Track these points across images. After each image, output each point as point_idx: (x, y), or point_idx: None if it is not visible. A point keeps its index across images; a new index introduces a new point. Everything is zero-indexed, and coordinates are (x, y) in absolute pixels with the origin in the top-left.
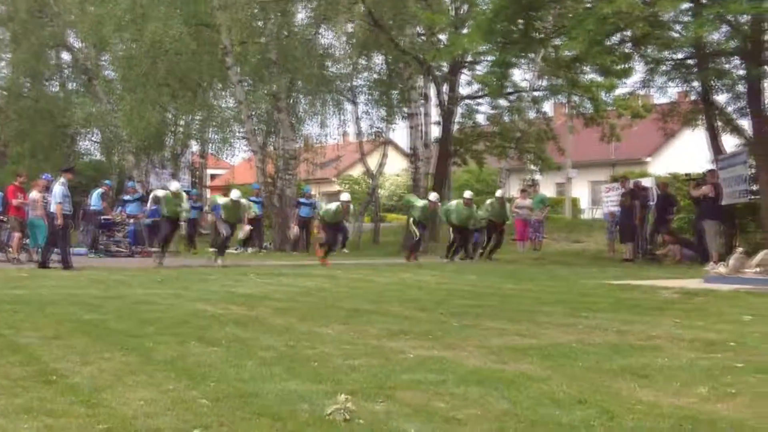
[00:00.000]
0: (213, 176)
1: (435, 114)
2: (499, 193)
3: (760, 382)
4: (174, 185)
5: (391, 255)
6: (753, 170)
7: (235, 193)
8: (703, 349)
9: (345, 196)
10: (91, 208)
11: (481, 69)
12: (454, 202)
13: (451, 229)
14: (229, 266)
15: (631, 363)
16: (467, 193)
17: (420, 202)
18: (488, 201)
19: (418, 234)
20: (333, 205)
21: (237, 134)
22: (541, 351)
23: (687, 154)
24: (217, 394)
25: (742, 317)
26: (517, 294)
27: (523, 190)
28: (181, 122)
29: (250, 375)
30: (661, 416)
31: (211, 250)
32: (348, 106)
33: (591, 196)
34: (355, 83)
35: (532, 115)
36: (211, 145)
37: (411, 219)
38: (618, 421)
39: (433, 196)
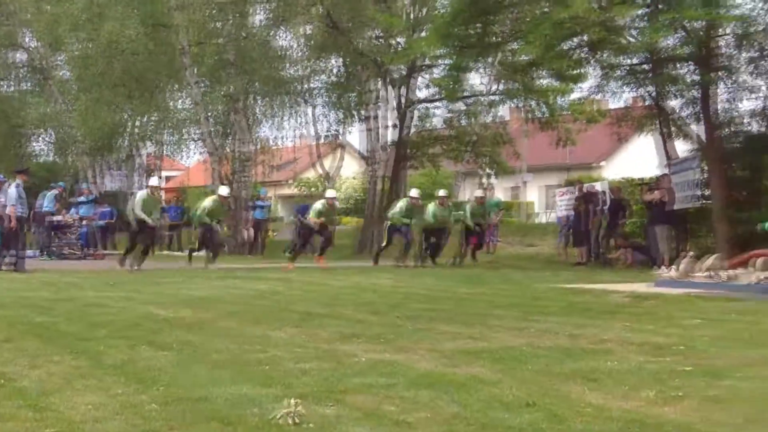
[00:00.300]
0: (168, 178)
1: (391, 117)
2: (479, 192)
3: (707, 386)
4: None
5: (346, 258)
6: (704, 175)
7: (224, 190)
8: (652, 353)
9: (330, 193)
10: (43, 209)
11: (438, 72)
12: (401, 202)
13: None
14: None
15: (581, 366)
16: (441, 192)
17: (399, 203)
18: (467, 205)
19: (385, 240)
20: (319, 204)
21: (192, 135)
22: (493, 354)
23: (640, 158)
24: (167, 398)
25: (692, 321)
26: (470, 298)
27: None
28: (137, 123)
29: (201, 379)
30: (609, 419)
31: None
32: (305, 109)
33: (545, 200)
34: (312, 85)
35: (488, 119)
36: (166, 146)
37: (386, 223)
38: (566, 425)
39: (414, 192)
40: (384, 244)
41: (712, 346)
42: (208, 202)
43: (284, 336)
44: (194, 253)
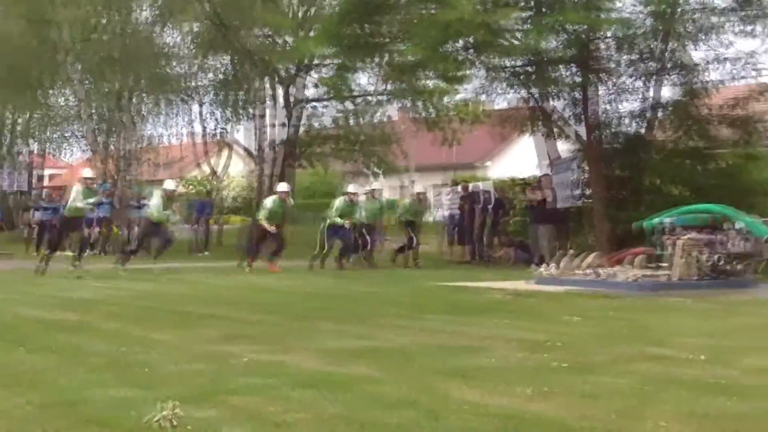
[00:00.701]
0: (51, 176)
1: (279, 116)
2: (419, 188)
3: (583, 382)
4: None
5: (235, 257)
6: (585, 175)
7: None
8: (531, 350)
9: (282, 186)
10: None
11: (326, 72)
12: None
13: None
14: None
15: (461, 364)
16: (350, 187)
17: (336, 202)
18: (406, 200)
19: (325, 245)
20: (269, 201)
21: (76, 133)
22: (377, 353)
23: (523, 158)
24: (44, 402)
25: (570, 318)
26: (360, 296)
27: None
28: (20, 120)
29: (79, 382)
30: (487, 416)
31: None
32: (191, 106)
33: (431, 199)
34: (199, 83)
35: (376, 118)
36: (49, 143)
37: (322, 226)
38: (444, 422)
39: (351, 187)
40: (321, 249)
41: (590, 343)
42: (156, 199)
43: (168, 337)
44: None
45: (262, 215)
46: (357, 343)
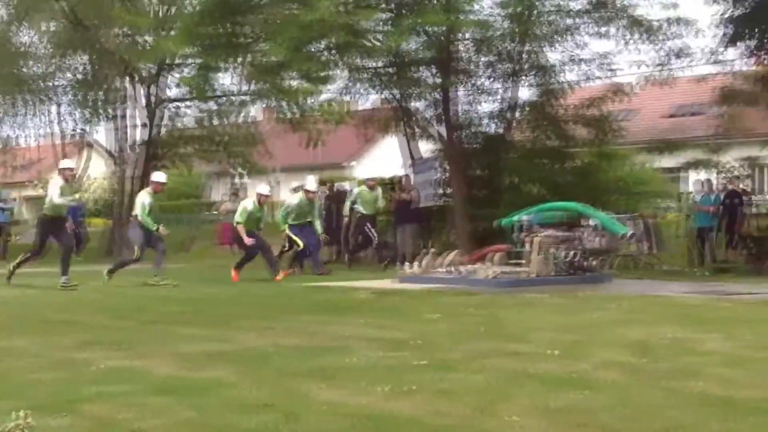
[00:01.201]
0: None
1: (140, 116)
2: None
3: (440, 379)
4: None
5: (95, 261)
6: (446, 174)
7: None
8: (390, 348)
9: (263, 188)
10: None
11: (187, 71)
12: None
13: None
14: None
15: (321, 364)
16: (309, 185)
17: (292, 200)
18: (355, 190)
19: (300, 243)
20: (249, 203)
21: None
22: (235, 356)
23: (388, 158)
24: None
25: (431, 315)
26: (218, 299)
27: (233, 194)
28: None
29: None
30: (345, 416)
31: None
32: (49, 107)
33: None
34: (56, 83)
35: (239, 119)
36: None
37: (286, 227)
38: (301, 423)
39: (311, 184)
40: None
41: (449, 340)
42: (54, 187)
43: (24, 344)
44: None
45: (239, 219)
46: (215, 347)
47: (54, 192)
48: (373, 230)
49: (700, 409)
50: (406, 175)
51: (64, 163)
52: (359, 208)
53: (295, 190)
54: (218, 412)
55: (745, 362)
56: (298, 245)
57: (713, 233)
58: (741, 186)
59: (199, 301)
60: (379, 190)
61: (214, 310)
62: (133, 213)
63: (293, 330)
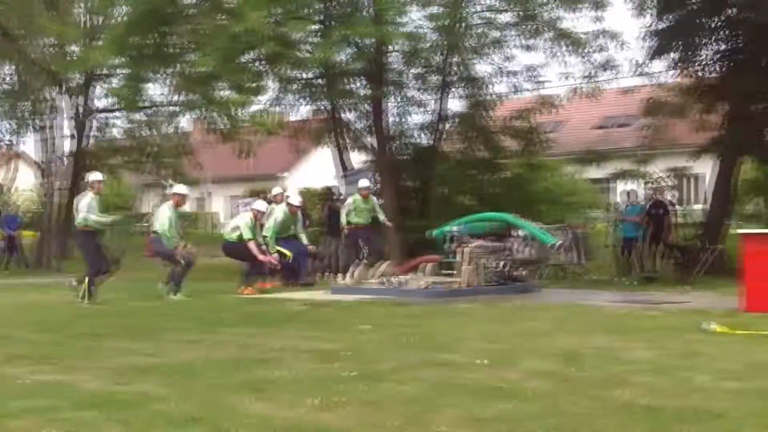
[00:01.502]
0: None
1: (69, 127)
2: (363, 183)
3: (369, 390)
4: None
5: (23, 274)
6: (378, 185)
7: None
8: (320, 360)
9: (294, 199)
10: None
11: (116, 82)
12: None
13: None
14: None
15: (250, 377)
16: (293, 199)
17: (278, 213)
18: (350, 200)
19: (288, 253)
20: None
21: None
22: (164, 370)
23: (321, 169)
24: None
25: (362, 327)
26: (148, 311)
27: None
28: None
29: None
30: (273, 429)
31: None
32: None
33: (229, 210)
34: None
35: (169, 129)
36: None
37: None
38: None
39: (294, 199)
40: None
41: (379, 351)
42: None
43: None
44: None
45: (270, 233)
46: (144, 360)
47: (86, 207)
48: (366, 242)
49: (626, 418)
50: (336, 186)
51: (94, 176)
52: (354, 218)
53: (247, 205)
54: (145, 426)
55: (671, 371)
56: (287, 256)
57: (639, 243)
58: (665, 196)
59: (129, 314)
60: (375, 200)
61: (144, 323)
62: (153, 228)
63: (224, 343)
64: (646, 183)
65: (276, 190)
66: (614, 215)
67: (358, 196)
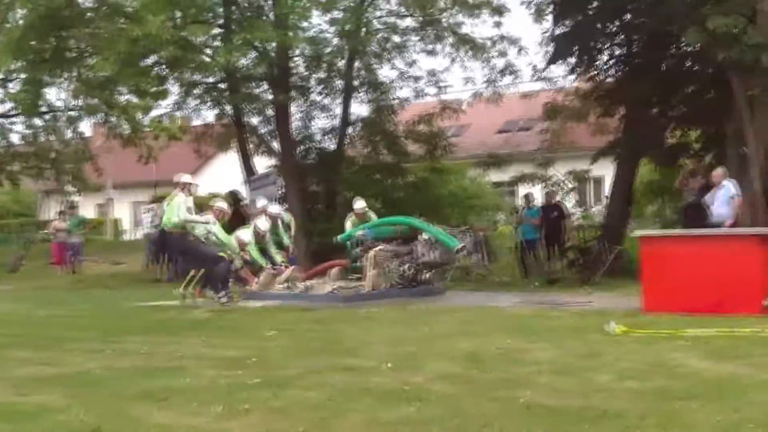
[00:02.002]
0: None
1: None
2: (359, 203)
3: (273, 396)
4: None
5: None
6: (282, 190)
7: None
8: (225, 367)
9: (359, 204)
10: None
11: (13, 87)
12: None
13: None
14: None
15: (154, 386)
16: (357, 204)
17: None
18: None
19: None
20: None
21: None
22: (65, 379)
23: (227, 174)
24: None
25: (267, 333)
26: (50, 321)
27: (61, 212)
28: None
29: None
30: None
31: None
32: None
33: (133, 216)
34: None
35: (69, 135)
36: None
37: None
38: None
39: (274, 209)
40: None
41: (283, 357)
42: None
43: None
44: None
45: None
46: (45, 371)
47: (182, 209)
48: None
49: (527, 419)
50: (235, 190)
51: (186, 177)
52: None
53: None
54: None
55: (572, 371)
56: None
57: (538, 245)
58: (555, 199)
59: (31, 324)
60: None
61: (46, 333)
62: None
63: (128, 351)
64: (545, 186)
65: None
66: (514, 218)
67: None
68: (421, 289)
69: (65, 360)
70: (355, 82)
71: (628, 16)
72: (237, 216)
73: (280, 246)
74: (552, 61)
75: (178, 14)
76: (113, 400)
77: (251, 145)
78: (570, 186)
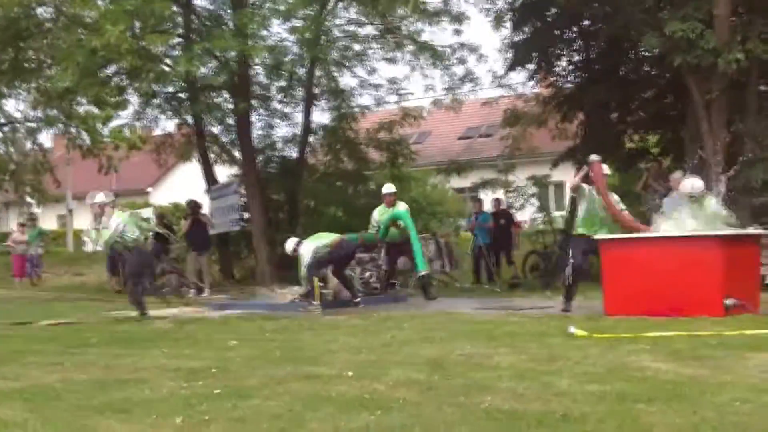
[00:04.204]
0: None
1: None
2: (389, 188)
3: (233, 407)
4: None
5: None
6: (244, 199)
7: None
8: (185, 378)
9: (388, 188)
10: None
11: None
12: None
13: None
14: None
15: (113, 398)
16: (386, 188)
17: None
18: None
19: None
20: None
21: None
22: (23, 393)
23: (188, 183)
24: None
25: (228, 343)
26: (6, 334)
27: (21, 224)
28: None
29: None
30: None
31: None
32: None
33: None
34: None
35: (28, 146)
36: None
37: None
38: None
39: (387, 187)
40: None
41: (244, 367)
42: None
43: None
44: None
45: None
46: (1, 385)
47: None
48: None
49: (487, 424)
50: (194, 200)
51: (99, 197)
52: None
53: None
54: None
55: (533, 375)
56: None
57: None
58: (501, 205)
59: None
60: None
61: (5, 347)
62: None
63: (87, 363)
64: (506, 192)
65: None
66: (468, 223)
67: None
68: (384, 296)
69: (23, 373)
70: (316, 90)
71: (586, 22)
72: (198, 225)
73: None
74: (511, 67)
75: (138, 24)
76: (73, 414)
77: (212, 155)
78: (530, 192)
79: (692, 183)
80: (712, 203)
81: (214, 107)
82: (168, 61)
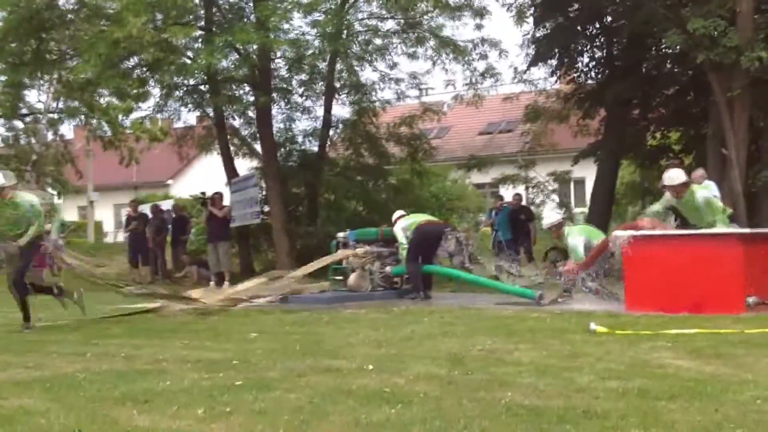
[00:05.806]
0: None
1: None
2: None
3: (255, 399)
4: None
5: None
6: (264, 192)
7: None
8: (206, 369)
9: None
10: None
11: None
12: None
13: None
14: None
15: (134, 389)
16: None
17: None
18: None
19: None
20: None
21: None
22: (45, 383)
23: (209, 176)
24: None
25: (249, 335)
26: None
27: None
28: None
29: None
30: None
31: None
32: None
33: (114, 218)
34: None
35: (49, 137)
36: None
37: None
38: None
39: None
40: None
41: (265, 359)
42: None
43: None
44: None
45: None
46: (23, 374)
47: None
48: None
49: (509, 419)
50: (219, 192)
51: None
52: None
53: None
54: None
55: (554, 372)
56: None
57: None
58: (514, 201)
59: (10, 327)
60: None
61: (26, 336)
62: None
63: (108, 354)
64: (527, 188)
65: None
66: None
67: None
68: (403, 290)
69: (45, 363)
70: (337, 84)
71: (608, 18)
72: (212, 216)
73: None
74: (533, 63)
75: (159, 16)
76: (93, 403)
77: (233, 147)
78: (551, 187)
79: (669, 175)
80: (700, 194)
81: (235, 100)
82: (189, 53)
